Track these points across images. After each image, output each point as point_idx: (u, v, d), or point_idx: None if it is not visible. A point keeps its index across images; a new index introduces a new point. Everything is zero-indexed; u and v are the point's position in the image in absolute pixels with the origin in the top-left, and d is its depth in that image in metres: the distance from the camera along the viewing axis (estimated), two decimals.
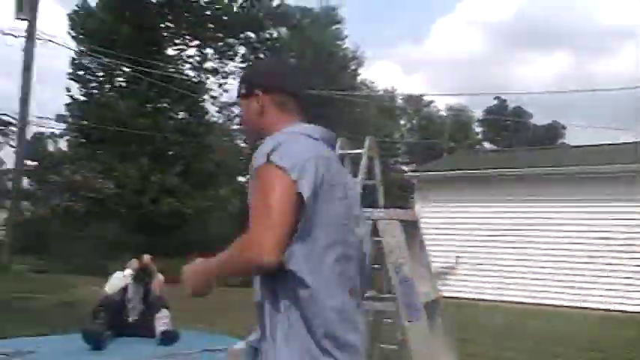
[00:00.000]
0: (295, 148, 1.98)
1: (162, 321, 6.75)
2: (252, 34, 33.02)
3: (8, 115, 33.53)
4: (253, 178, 2.00)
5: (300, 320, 1.96)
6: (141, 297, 7.16)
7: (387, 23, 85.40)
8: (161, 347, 6.49)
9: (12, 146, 33.60)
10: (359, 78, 42.11)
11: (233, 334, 7.47)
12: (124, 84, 31.07)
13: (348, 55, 39.48)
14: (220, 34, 32.41)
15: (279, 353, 1.96)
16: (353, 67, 40.40)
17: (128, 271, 7.23)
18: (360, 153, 7.33)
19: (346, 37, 38.92)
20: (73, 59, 30.94)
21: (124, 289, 7.12)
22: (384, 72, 72.61)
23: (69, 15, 30.74)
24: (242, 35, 32.70)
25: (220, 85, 33.53)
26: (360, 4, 79.25)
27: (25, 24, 20.33)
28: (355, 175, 7.82)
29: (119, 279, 7.21)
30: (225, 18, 31.68)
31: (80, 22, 30.34)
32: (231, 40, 32.98)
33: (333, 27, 38.09)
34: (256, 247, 1.87)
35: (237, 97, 2.32)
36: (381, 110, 46.11)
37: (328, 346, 1.96)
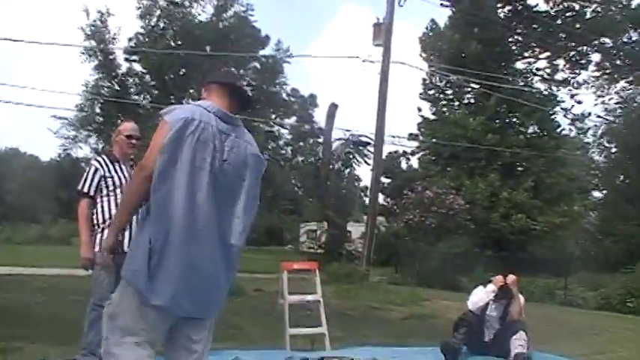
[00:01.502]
0: (180, 112, 3.01)
1: (517, 343, 6.38)
2: (607, 40, 30.77)
3: (366, 136, 36.25)
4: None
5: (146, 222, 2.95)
6: (499, 316, 6.87)
7: None
8: None
9: (368, 164, 36.24)
10: None
11: (588, 359, 6.84)
12: (472, 100, 31.39)
13: None
14: (572, 43, 30.84)
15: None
16: None
17: (490, 287, 6.97)
18: None
19: None
20: (424, 79, 32.27)
21: (485, 307, 6.90)
22: None
23: (419, 38, 32.11)
24: (596, 42, 30.66)
25: (572, 97, 31.89)
26: None
27: (380, 50, 21.56)
28: None
29: (481, 295, 6.99)
30: (578, 26, 30.07)
31: (430, 44, 31.49)
32: (583, 48, 31.18)
33: None
34: (142, 164, 2.97)
35: None
36: None
37: (154, 261, 2.82)
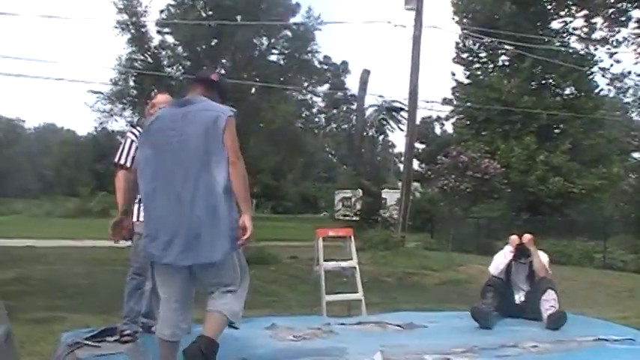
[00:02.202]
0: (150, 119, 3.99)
1: (548, 304, 6.32)
2: None
3: (399, 102, 35.99)
4: None
5: None
6: (525, 276, 6.84)
7: None
8: (549, 331, 6.10)
9: (402, 130, 36.01)
10: None
11: (628, 322, 6.76)
12: (507, 63, 30.85)
13: None
14: (611, 0, 29.91)
15: None
16: None
17: (508, 248, 6.95)
18: None
19: None
20: (457, 43, 31.79)
21: (508, 269, 6.87)
22: None
23: (451, 1, 31.54)
24: None
25: (611, 55, 31.02)
26: None
27: (412, 14, 21.28)
28: None
29: (500, 258, 6.97)
30: None
31: (463, 6, 30.92)
32: (623, 5, 30.21)
33: None
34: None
35: None
36: None
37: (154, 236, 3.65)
